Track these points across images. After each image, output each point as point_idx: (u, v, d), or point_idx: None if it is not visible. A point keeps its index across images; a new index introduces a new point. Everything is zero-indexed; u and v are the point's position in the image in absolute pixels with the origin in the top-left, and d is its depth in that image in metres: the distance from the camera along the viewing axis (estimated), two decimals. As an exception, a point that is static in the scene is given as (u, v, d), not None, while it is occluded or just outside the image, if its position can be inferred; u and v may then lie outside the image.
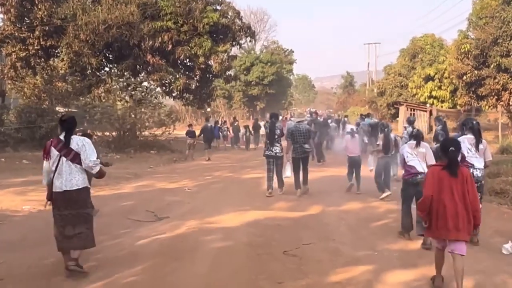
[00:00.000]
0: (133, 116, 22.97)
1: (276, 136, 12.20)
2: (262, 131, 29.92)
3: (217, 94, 59.47)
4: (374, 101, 44.81)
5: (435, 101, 35.06)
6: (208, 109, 65.26)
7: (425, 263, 6.58)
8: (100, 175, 6.42)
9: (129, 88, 23.27)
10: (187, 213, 10.15)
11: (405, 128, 15.31)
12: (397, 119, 36.17)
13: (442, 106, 34.70)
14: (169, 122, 65.10)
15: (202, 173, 17.18)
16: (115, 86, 23.37)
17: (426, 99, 35.37)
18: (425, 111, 34.33)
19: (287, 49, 64.39)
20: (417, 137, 8.13)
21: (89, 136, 10.52)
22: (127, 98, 24.68)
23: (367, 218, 9.62)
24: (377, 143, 12.78)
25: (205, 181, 15.21)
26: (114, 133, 24.03)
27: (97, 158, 6.15)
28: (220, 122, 33.21)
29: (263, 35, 71.77)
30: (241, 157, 24.00)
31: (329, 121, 26.24)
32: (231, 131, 30.98)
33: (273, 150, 12.25)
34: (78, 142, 6.04)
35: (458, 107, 34.48)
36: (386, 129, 12.13)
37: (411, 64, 38.51)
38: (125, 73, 24.25)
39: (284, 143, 12.77)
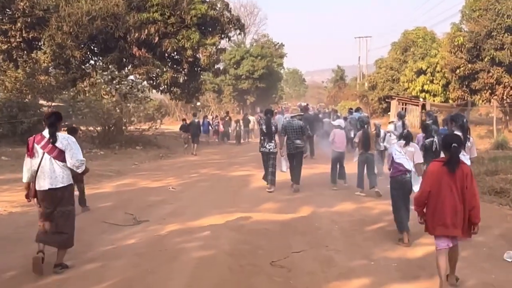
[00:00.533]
0: (118, 110, 22.10)
1: (272, 132, 12.13)
2: (251, 125, 30.52)
3: (206, 88, 58.88)
4: (365, 95, 44.22)
5: (427, 95, 34.43)
6: (198, 103, 64.47)
7: (427, 274, 5.95)
8: (83, 172, 6.33)
9: (114, 82, 22.39)
10: (169, 215, 9.42)
11: (394, 123, 14.78)
12: (389, 113, 35.51)
13: (434, 100, 34.08)
14: (158, 116, 63.90)
15: (188, 170, 16.45)
16: (99, 80, 22.46)
17: (418, 93, 34.75)
18: (417, 105, 33.70)
19: (278, 43, 63.57)
20: (406, 137, 8.11)
21: (74, 131, 9.89)
22: (113, 92, 23.80)
23: (361, 221, 8.94)
24: (355, 140, 12.32)
25: (191, 179, 14.47)
26: (98, 128, 23.20)
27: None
28: (211, 117, 32.73)
29: (253, 28, 70.90)
30: (230, 153, 23.26)
31: (321, 115, 25.57)
32: (221, 125, 30.47)
33: (267, 146, 12.15)
34: (62, 139, 5.88)
35: (451, 101, 33.94)
36: (365, 126, 11.96)
37: (403, 58, 37.92)
38: (110, 66, 23.33)
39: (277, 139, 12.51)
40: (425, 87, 34.41)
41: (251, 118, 31.71)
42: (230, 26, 28.91)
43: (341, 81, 63.56)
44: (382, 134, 13.31)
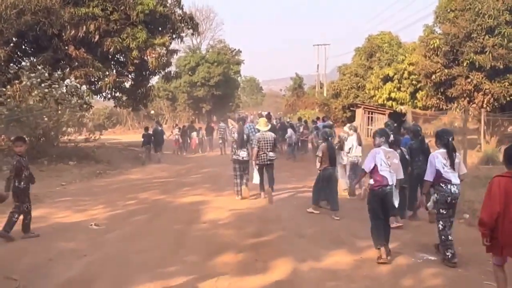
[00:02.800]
0: (46, 118, 18.19)
1: (244, 141, 12.04)
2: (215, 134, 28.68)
3: (157, 95, 55.20)
4: (327, 104, 41.49)
5: (394, 103, 31.90)
6: (152, 112, 60.58)
7: None
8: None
9: (42, 85, 18.49)
10: (71, 284, 5.93)
11: (347, 135, 12.77)
12: (353, 123, 32.70)
13: (401, 110, 31.54)
14: (109, 125, 59.16)
15: (124, 195, 12.85)
16: (24, 83, 18.54)
17: (385, 101, 32.18)
18: (384, 113, 31.13)
19: (235, 49, 60.31)
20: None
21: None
22: (46, 97, 19.82)
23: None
24: (317, 153, 10.68)
25: (124, 209, 10.91)
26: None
27: None
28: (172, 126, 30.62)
29: (209, 33, 67.51)
30: (179, 169, 19.71)
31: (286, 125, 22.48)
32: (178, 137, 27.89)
33: (240, 154, 11.93)
34: None
35: (418, 109, 31.52)
36: (329, 138, 10.62)
37: (368, 64, 35.36)
38: (39, 67, 19.46)
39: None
40: (392, 95, 31.88)
41: (222, 125, 28.63)
42: (182, 25, 25.54)
43: (300, 89, 60.79)
44: (349, 145, 12.30)
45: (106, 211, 10.62)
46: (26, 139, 18.89)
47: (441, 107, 24.40)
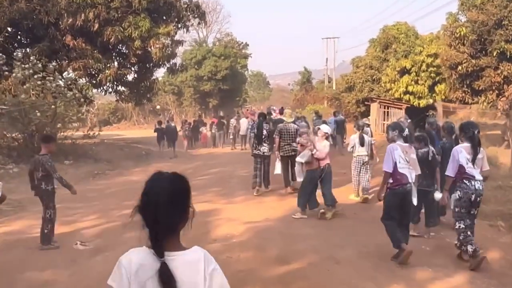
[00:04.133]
0: (38, 114, 16.39)
1: (264, 136, 11.87)
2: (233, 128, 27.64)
3: (161, 89, 53.45)
4: (338, 98, 39.51)
5: (411, 97, 29.88)
6: (158, 107, 58.87)
7: None
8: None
9: (35, 77, 16.69)
10: None
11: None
12: (368, 117, 30.78)
13: (419, 104, 29.59)
14: (114, 120, 57.45)
15: (122, 201, 11.04)
16: (15, 74, 16.76)
17: (402, 95, 30.15)
18: (400, 108, 29.21)
19: (242, 42, 58.38)
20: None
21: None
22: (41, 90, 18.04)
23: None
24: (313, 152, 9.44)
25: (119, 221, 9.07)
26: (16, 135, 17.64)
27: None
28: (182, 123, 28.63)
29: (216, 26, 65.63)
30: (186, 169, 17.76)
31: (299, 121, 20.61)
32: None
33: (261, 149, 11.82)
34: None
35: (436, 104, 29.57)
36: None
37: (384, 56, 33.23)
38: (32, 58, 17.68)
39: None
40: (410, 88, 29.78)
41: (233, 120, 28.41)
42: (188, 13, 23.69)
43: (308, 83, 58.83)
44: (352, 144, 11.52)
45: (98, 223, 8.88)
46: (15, 135, 17.60)
47: (466, 100, 22.42)
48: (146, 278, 1.99)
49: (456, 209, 6.33)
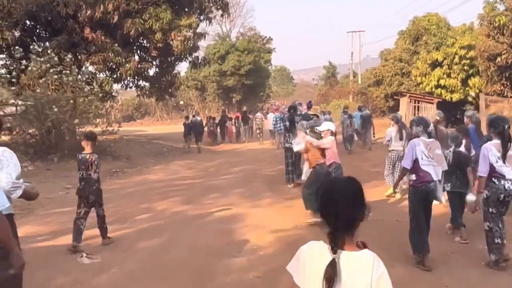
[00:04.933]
0: (55, 109, 15.56)
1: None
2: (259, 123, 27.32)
3: (183, 83, 52.62)
4: (364, 92, 38.17)
5: (443, 91, 28.40)
6: (181, 102, 58.18)
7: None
8: (28, 197, 4.39)
9: (51, 71, 15.87)
10: None
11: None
12: (398, 112, 29.44)
13: (451, 98, 28.09)
14: (137, 116, 57.05)
15: (138, 204, 10.13)
16: (30, 68, 16.00)
17: (433, 89, 28.70)
18: (432, 102, 27.76)
19: (265, 37, 57.22)
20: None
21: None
22: (58, 84, 17.22)
23: None
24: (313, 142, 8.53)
25: (132, 228, 8.15)
26: (33, 132, 16.91)
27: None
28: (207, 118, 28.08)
29: (239, 20, 64.56)
30: (208, 166, 16.85)
31: (326, 116, 19.47)
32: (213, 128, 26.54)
33: (292, 143, 10.94)
34: None
35: (470, 98, 28.03)
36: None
37: (414, 48, 31.79)
38: (49, 52, 16.89)
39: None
40: (441, 82, 28.30)
41: (259, 115, 28.39)
42: (211, 4, 22.59)
43: (333, 78, 57.46)
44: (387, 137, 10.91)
45: (109, 231, 7.87)
46: (32, 131, 16.86)
47: (505, 94, 20.97)
48: (316, 270, 2.13)
49: (485, 209, 5.93)
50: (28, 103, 16.27)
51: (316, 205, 7.92)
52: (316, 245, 2.24)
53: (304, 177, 9.10)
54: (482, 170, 5.88)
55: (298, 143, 8.99)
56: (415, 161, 6.13)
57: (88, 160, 7.03)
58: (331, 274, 2.08)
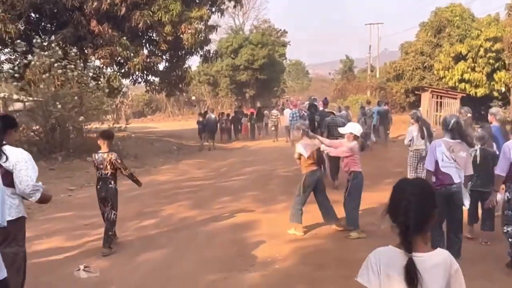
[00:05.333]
0: (59, 106, 15.15)
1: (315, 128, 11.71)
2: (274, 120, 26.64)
3: (200, 80, 52.16)
4: (383, 87, 37.42)
5: (467, 85, 27.64)
6: (193, 97, 57.82)
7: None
8: (42, 200, 4.44)
9: (55, 65, 15.47)
10: None
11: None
12: (419, 108, 28.72)
13: (475, 93, 27.31)
14: (148, 112, 56.90)
15: (144, 208, 9.68)
16: (33, 63, 15.62)
17: (457, 83, 27.96)
18: (455, 98, 27.06)
19: (280, 30, 56.53)
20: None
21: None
22: (60, 79, 16.81)
23: None
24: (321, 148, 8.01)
25: (135, 235, 7.68)
26: (37, 129, 16.60)
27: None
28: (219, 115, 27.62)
29: (253, 13, 64.01)
30: (220, 166, 16.36)
31: (342, 113, 18.90)
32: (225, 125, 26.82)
33: None
34: (11, 155, 4.14)
35: (495, 93, 27.25)
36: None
37: (436, 41, 31.01)
38: (53, 45, 16.51)
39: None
40: (465, 76, 27.59)
41: (275, 112, 27.64)
42: (223, -6, 22.10)
43: (350, 72, 56.62)
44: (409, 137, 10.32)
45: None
46: (36, 128, 16.52)
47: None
48: (394, 275, 2.16)
49: (505, 212, 5.69)
50: (32, 99, 15.89)
51: (326, 216, 7.48)
52: (386, 250, 2.27)
53: None
54: (500, 169, 5.69)
55: (295, 137, 8.23)
56: (435, 163, 5.89)
57: (105, 159, 6.89)
58: (412, 275, 2.11)
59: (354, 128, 7.76)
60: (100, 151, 7.01)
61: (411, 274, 2.10)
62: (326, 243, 7.04)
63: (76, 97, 15.89)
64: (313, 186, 7.64)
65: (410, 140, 10.27)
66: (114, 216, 7.02)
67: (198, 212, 9.19)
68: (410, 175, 10.17)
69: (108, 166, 6.90)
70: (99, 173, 6.98)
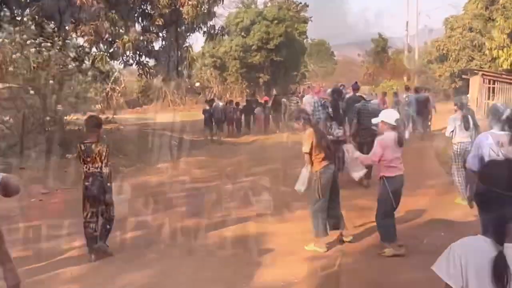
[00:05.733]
0: (32, 92, 15.04)
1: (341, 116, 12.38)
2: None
3: (205, 63, 52.13)
4: (424, 71, 37.24)
5: (525, 68, 27.39)
6: (197, 84, 57.90)
7: None
8: (6, 191, 3.72)
9: (28, 43, 15.34)
10: None
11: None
12: (468, 95, 28.50)
13: None
14: (144, 101, 57.39)
15: (129, 217, 9.34)
16: (2, 40, 15.50)
17: (513, 66, 27.74)
18: (511, 83, 26.71)
19: (300, 3, 56.33)
20: None
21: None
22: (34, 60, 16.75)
23: None
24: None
25: (120, 252, 7.36)
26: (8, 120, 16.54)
27: None
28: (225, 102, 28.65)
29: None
30: (226, 165, 16.21)
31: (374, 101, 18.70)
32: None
33: (333, 133, 11.40)
34: None
35: None
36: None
37: (488, 14, 30.79)
38: (26, 19, 16.42)
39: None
40: (524, 57, 27.31)
41: (294, 99, 27.95)
42: (230, -41, 21.86)
43: (384, 54, 56.49)
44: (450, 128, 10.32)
45: (81, 260, 7.11)
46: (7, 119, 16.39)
47: None
48: (480, 266, 2.17)
49: None
50: (0, 85, 15.79)
51: (329, 226, 7.14)
52: (473, 240, 2.31)
53: (300, 186, 7.86)
54: None
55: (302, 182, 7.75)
56: (481, 159, 5.88)
57: (94, 150, 6.97)
58: (502, 269, 2.13)
59: (386, 115, 7.23)
60: (87, 141, 7.04)
61: (500, 267, 2.11)
62: (355, 262, 6.79)
63: (51, 81, 15.70)
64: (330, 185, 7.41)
65: (452, 131, 10.18)
66: (114, 213, 7.37)
67: (195, 222, 9.04)
68: (457, 174, 10.00)
69: (98, 159, 6.97)
70: (86, 168, 7.02)
